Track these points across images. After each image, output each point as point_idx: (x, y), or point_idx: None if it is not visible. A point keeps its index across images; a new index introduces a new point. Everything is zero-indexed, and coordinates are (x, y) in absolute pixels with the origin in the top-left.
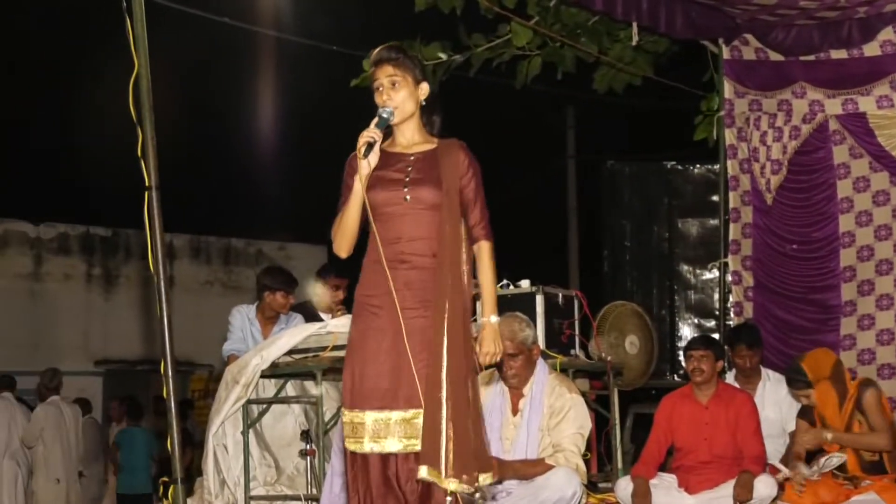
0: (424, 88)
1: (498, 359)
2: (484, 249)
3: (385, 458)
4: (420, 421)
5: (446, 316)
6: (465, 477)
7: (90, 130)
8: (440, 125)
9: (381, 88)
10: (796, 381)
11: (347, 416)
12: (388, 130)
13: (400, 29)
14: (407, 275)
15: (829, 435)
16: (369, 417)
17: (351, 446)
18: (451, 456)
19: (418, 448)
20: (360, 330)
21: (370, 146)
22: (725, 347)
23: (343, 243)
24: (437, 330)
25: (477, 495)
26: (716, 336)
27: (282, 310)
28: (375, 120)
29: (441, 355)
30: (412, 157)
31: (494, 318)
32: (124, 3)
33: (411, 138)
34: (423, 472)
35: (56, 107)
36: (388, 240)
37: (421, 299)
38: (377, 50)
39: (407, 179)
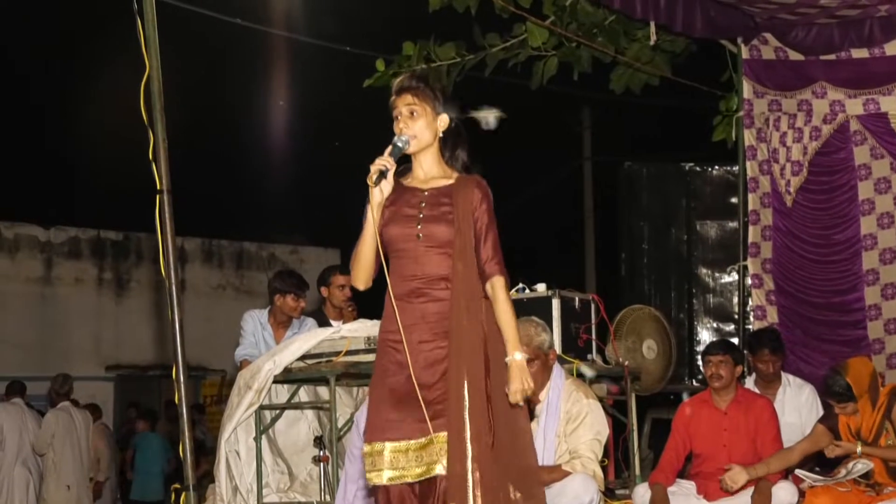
0: (444, 120)
1: (528, 395)
2: (497, 286)
3: (408, 487)
4: (434, 445)
5: (463, 353)
6: None
7: (101, 133)
8: (466, 161)
9: (399, 117)
10: (844, 398)
11: (367, 448)
12: (408, 163)
13: (414, 29)
14: (424, 308)
15: (859, 448)
16: (388, 448)
17: (373, 479)
18: (478, 493)
19: (437, 471)
20: (381, 366)
21: (382, 174)
22: (745, 352)
23: (360, 274)
24: (455, 367)
25: None
26: (735, 340)
27: (293, 313)
28: (389, 148)
29: (462, 394)
30: (426, 193)
31: (519, 356)
32: (135, 5)
33: (429, 172)
34: None
35: (67, 110)
36: (404, 276)
37: (438, 332)
38: (399, 79)
39: (420, 216)
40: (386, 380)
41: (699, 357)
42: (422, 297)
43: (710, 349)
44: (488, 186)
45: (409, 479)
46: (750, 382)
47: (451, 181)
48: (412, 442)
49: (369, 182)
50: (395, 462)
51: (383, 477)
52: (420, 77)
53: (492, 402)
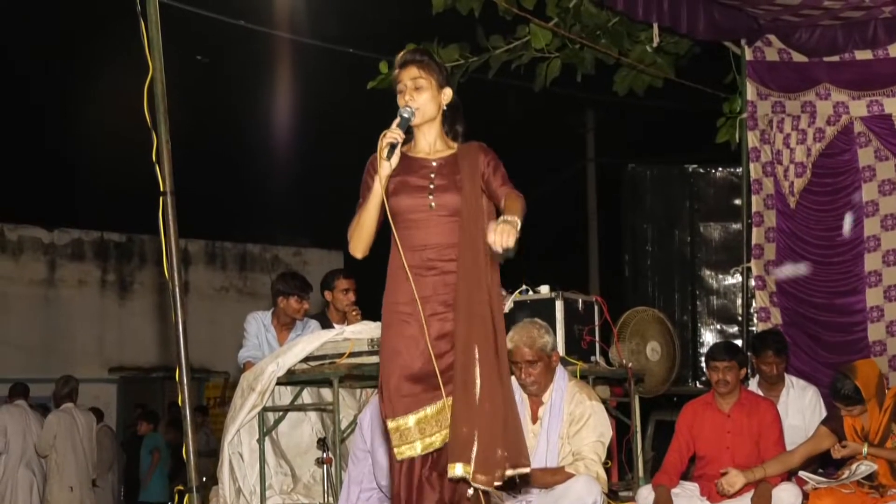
0: (447, 93)
1: (508, 248)
2: (513, 197)
3: (423, 457)
4: (447, 410)
5: (472, 321)
6: (489, 475)
7: (104, 135)
8: (462, 135)
9: (404, 90)
10: (853, 401)
11: (392, 424)
12: (408, 134)
13: (418, 31)
14: (435, 281)
15: (865, 449)
16: (412, 420)
17: (405, 453)
18: (480, 451)
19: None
20: (391, 338)
21: (393, 147)
22: (748, 354)
23: (360, 244)
24: (463, 334)
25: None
26: (738, 342)
27: (296, 315)
28: (397, 120)
29: (472, 358)
30: (435, 164)
31: (511, 218)
32: (139, 6)
33: (433, 144)
34: (458, 469)
35: (68, 111)
36: (414, 246)
37: (449, 304)
38: (402, 53)
39: (431, 186)
40: (398, 357)
41: (703, 359)
42: (433, 270)
43: (716, 355)
44: (490, 148)
45: (438, 445)
46: (753, 384)
47: (454, 150)
48: (429, 409)
49: (380, 156)
50: (424, 431)
51: (417, 448)
52: (423, 51)
53: (499, 374)
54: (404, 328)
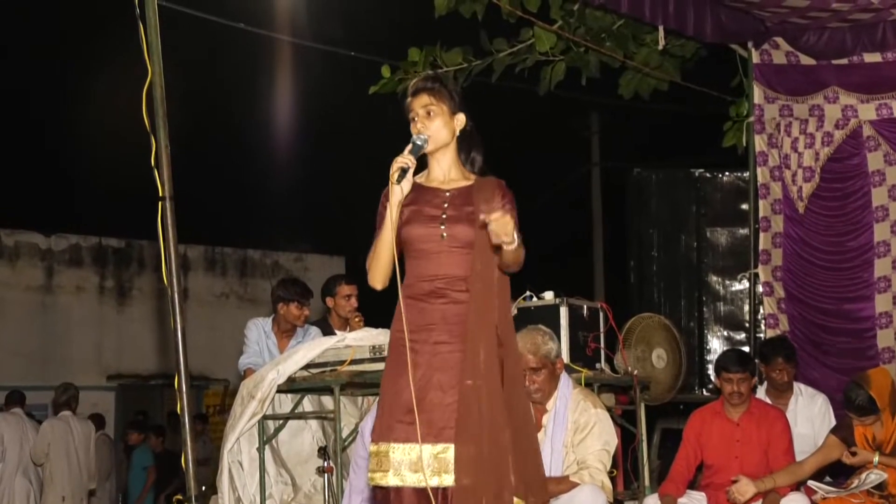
0: (461, 119)
1: (506, 241)
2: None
3: (415, 492)
4: (449, 455)
5: (481, 354)
6: None
7: (102, 140)
8: (481, 165)
9: (416, 118)
10: (867, 411)
11: (373, 448)
12: (423, 164)
13: (420, 34)
14: (444, 309)
15: (876, 458)
16: (394, 450)
17: (375, 480)
18: (490, 497)
19: (448, 483)
20: (393, 365)
21: (404, 171)
22: (756, 361)
23: (378, 275)
24: (470, 374)
25: None
26: (746, 349)
27: (296, 321)
28: (409, 147)
29: (476, 397)
30: (448, 194)
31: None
32: (137, 10)
33: (447, 173)
34: None
35: (68, 116)
36: (425, 276)
37: (456, 334)
38: (414, 80)
39: (444, 217)
40: (398, 380)
41: (710, 366)
42: (442, 298)
43: (729, 366)
44: (508, 188)
45: (411, 485)
46: (761, 392)
47: (470, 182)
48: (419, 446)
49: (392, 180)
50: (401, 465)
51: (389, 479)
52: (435, 77)
53: (509, 405)
54: (407, 355)
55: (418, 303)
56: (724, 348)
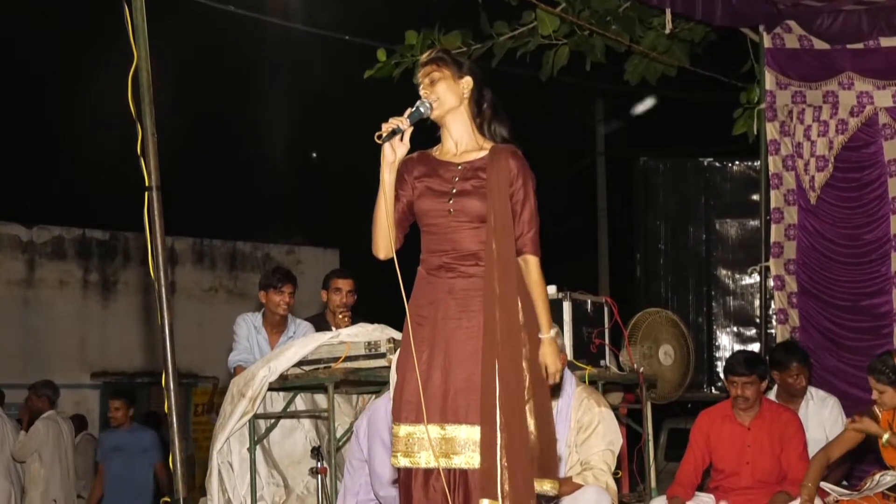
0: (467, 81)
1: (560, 374)
2: (531, 264)
3: (426, 472)
4: (456, 437)
5: (498, 331)
6: None
7: (87, 127)
8: (506, 136)
9: (422, 88)
10: (886, 379)
11: (394, 429)
12: (437, 136)
13: (418, 17)
14: (451, 283)
15: (886, 436)
16: (403, 430)
17: (392, 460)
18: (506, 486)
19: (456, 464)
20: (405, 341)
21: (393, 133)
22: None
23: (377, 241)
24: (486, 346)
25: None
26: (756, 346)
27: (278, 309)
28: (410, 109)
29: (493, 374)
30: (460, 167)
31: (552, 332)
32: None
33: (460, 142)
34: None
35: (50, 102)
36: (435, 250)
37: (463, 308)
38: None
39: (453, 191)
40: (408, 357)
41: (719, 363)
42: (450, 273)
43: (735, 368)
44: (524, 157)
45: (423, 466)
46: (772, 396)
47: (484, 152)
48: (432, 428)
49: (377, 140)
50: (410, 446)
51: (399, 460)
52: (439, 49)
53: (531, 385)
54: (416, 330)
55: (430, 277)
56: (734, 345)
